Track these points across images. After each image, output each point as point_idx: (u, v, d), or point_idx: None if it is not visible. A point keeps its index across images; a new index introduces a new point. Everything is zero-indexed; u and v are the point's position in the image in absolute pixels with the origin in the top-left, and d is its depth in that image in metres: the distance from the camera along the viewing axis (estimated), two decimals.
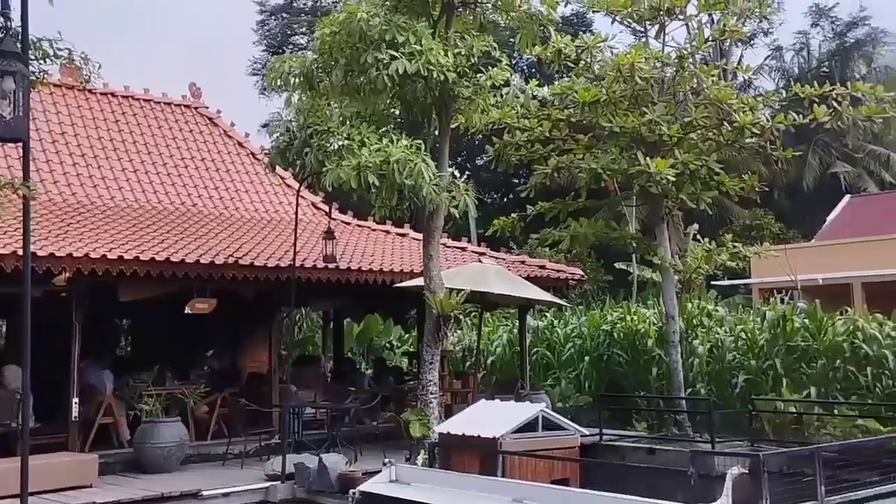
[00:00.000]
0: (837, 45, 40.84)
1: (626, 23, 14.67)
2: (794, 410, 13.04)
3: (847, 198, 33.83)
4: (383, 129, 10.81)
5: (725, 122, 13.26)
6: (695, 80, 13.39)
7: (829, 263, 26.11)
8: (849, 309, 17.74)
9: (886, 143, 37.57)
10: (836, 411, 12.96)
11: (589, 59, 13.40)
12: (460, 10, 11.19)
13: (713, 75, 13.57)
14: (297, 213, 11.96)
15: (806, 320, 15.21)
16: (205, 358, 14.54)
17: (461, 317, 14.69)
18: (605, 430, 12.84)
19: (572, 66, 13.61)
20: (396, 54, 9.51)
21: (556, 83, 14.31)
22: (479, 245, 17.75)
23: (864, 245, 26.18)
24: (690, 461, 7.61)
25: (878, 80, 34.57)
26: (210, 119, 17.09)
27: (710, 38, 14.52)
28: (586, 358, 17.31)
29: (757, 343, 15.34)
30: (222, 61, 64.60)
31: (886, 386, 13.92)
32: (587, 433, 10.82)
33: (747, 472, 8.04)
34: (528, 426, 9.11)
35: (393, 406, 13.92)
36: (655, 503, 6.85)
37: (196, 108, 17.11)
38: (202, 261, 10.87)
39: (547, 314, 19.96)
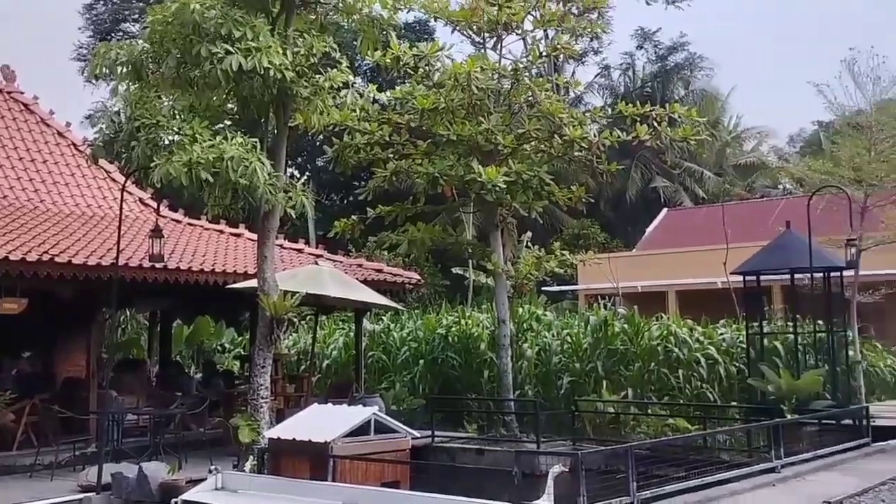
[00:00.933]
0: (659, 68, 43.69)
1: (465, 33, 15.00)
2: (612, 410, 13.78)
3: (665, 211, 36.27)
4: (218, 125, 10.47)
5: (557, 135, 13.83)
6: (529, 93, 13.89)
7: (647, 272, 27.90)
8: (664, 315, 19.02)
9: (701, 161, 40.58)
10: (649, 411, 13.81)
11: (427, 67, 13.60)
12: (301, 8, 11.04)
13: (546, 89, 14.13)
14: (121, 209, 11.33)
15: (625, 325, 16.14)
16: (12, 361, 13.50)
17: (296, 319, 14.47)
18: (436, 432, 13.06)
19: (412, 72, 13.77)
20: (232, 49, 9.23)
21: (398, 88, 14.43)
22: (317, 247, 17.55)
23: (679, 255, 28.14)
24: (515, 461, 7.87)
25: (695, 102, 37.58)
26: (25, 105, 15.87)
27: (544, 54, 15.13)
28: (421, 361, 17.54)
29: (581, 346, 16.12)
30: (45, 46, 60.29)
31: (695, 387, 15.03)
32: (418, 436, 10.94)
33: (568, 470, 8.43)
34: (361, 430, 9.08)
35: (222, 411, 13.49)
36: (478, 503, 7.04)
37: (9, 93, 15.84)
38: (11, 258, 10.08)
39: (384, 318, 20.03)
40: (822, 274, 12.83)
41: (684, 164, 40.08)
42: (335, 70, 10.70)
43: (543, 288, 26.63)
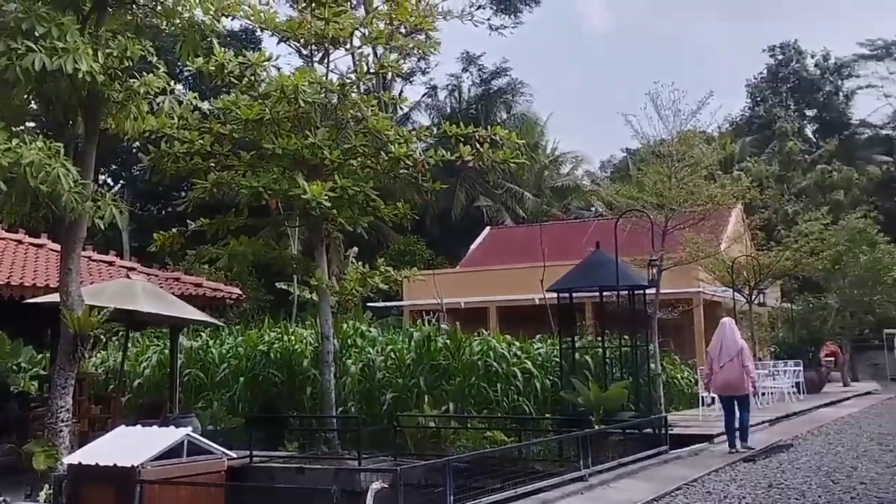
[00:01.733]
0: (483, 91, 45.21)
1: (292, 45, 14.79)
2: (433, 425, 13.98)
3: (488, 229, 37.41)
4: (18, 127, 9.68)
5: (383, 152, 13.91)
6: (356, 109, 13.89)
7: (470, 288, 28.63)
8: (485, 330, 19.60)
9: (521, 182, 42.27)
10: (469, 424, 14.14)
11: (253, 77, 13.29)
12: (115, 8, 10.46)
13: (373, 106, 14.20)
14: None
15: (447, 341, 16.46)
16: None
17: (103, 336, 13.59)
18: (255, 452, 12.69)
19: (236, 81, 13.40)
20: (35, 47, 8.58)
21: (221, 97, 13.98)
22: (131, 259, 16.61)
23: (500, 273, 29.09)
24: (334, 479, 7.78)
25: (516, 125, 39.15)
26: None
27: (372, 71, 15.21)
28: (241, 379, 17.03)
29: (405, 362, 16.26)
30: None
31: (513, 400, 15.55)
32: (235, 456, 10.57)
33: (388, 486, 8.44)
34: (172, 452, 8.64)
35: (15, 436, 12.41)
36: None
37: None
38: None
39: (203, 334, 19.27)
40: (627, 292, 13.69)
41: (506, 185, 41.61)
42: (152, 75, 10.21)
43: (369, 304, 26.65)
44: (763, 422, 15.62)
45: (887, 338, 32.41)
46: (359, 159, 14.24)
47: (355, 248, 27.57)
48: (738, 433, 12.33)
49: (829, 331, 26.86)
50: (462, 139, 14.29)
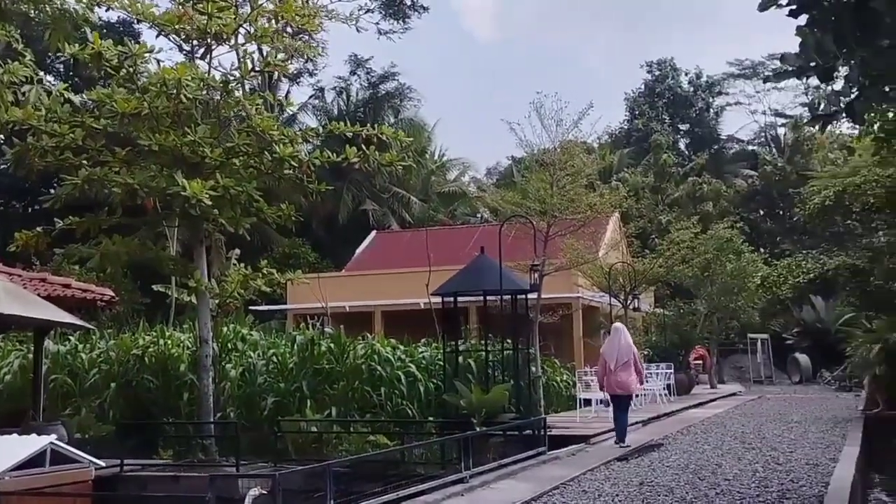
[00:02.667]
0: (371, 94, 45.12)
1: (172, 39, 14.30)
2: (315, 430, 13.79)
3: (374, 233, 37.34)
4: None
5: (267, 152, 13.63)
6: (240, 107, 13.56)
7: (356, 292, 28.49)
8: (369, 334, 19.52)
9: (408, 187, 42.42)
10: (352, 429, 14.02)
11: (132, 69, 12.74)
12: None
13: (258, 105, 13.90)
14: None
15: (331, 344, 16.28)
16: None
17: None
18: (127, 461, 12.17)
19: (113, 72, 12.81)
20: None
21: (96, 89, 13.33)
22: None
23: (386, 276, 29.08)
24: (209, 486, 7.54)
25: (404, 130, 39.08)
26: None
27: (257, 69, 14.89)
28: (113, 384, 16.25)
29: (287, 366, 15.96)
30: None
31: (396, 404, 15.54)
32: (104, 465, 10.11)
33: (266, 492, 8.26)
34: (34, 461, 8.18)
35: None
36: None
37: None
38: None
39: (71, 338, 18.31)
40: (510, 296, 13.93)
41: (393, 189, 41.67)
42: (17, 63, 9.63)
43: (251, 307, 26.06)
44: (637, 422, 16.22)
45: (751, 342, 34.35)
46: (241, 158, 13.89)
47: (237, 250, 26.92)
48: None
49: (698, 335, 28.23)
50: (348, 140, 14.19)
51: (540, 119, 16.55)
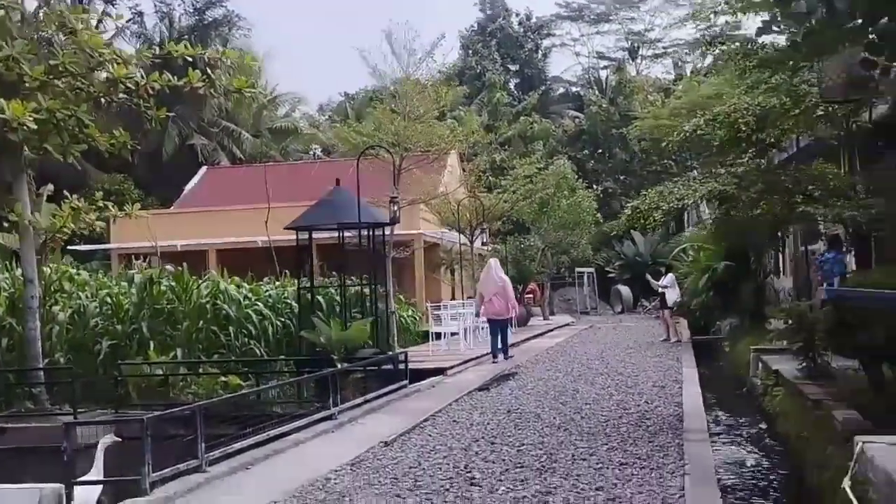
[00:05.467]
0: (197, 21, 42.39)
1: None
2: (160, 373, 12.96)
3: (204, 169, 35.46)
4: None
5: (97, 73, 12.32)
6: (63, 20, 12.11)
7: (188, 230, 26.99)
8: (206, 273, 18.55)
9: (239, 121, 40.51)
10: (201, 370, 13.31)
11: None
12: None
13: (83, 19, 12.47)
14: None
15: (173, 284, 15.30)
16: None
17: None
18: None
19: None
20: None
21: None
22: None
23: (220, 214, 27.77)
24: (64, 435, 6.80)
25: (233, 61, 37.20)
26: None
27: None
28: None
29: (123, 307, 14.86)
30: None
31: (244, 344, 14.91)
32: None
33: (121, 439, 7.60)
34: None
35: None
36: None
37: None
38: None
39: None
40: (368, 230, 13.57)
41: (223, 124, 39.66)
42: None
43: (69, 247, 24.11)
44: (485, 353, 16.53)
45: (578, 276, 36.04)
46: (67, 79, 12.46)
47: (50, 186, 24.56)
48: (500, 350, 15.46)
49: (535, 270, 29.18)
50: (190, 62, 13.07)
51: (391, 48, 16.07)
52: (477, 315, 16.20)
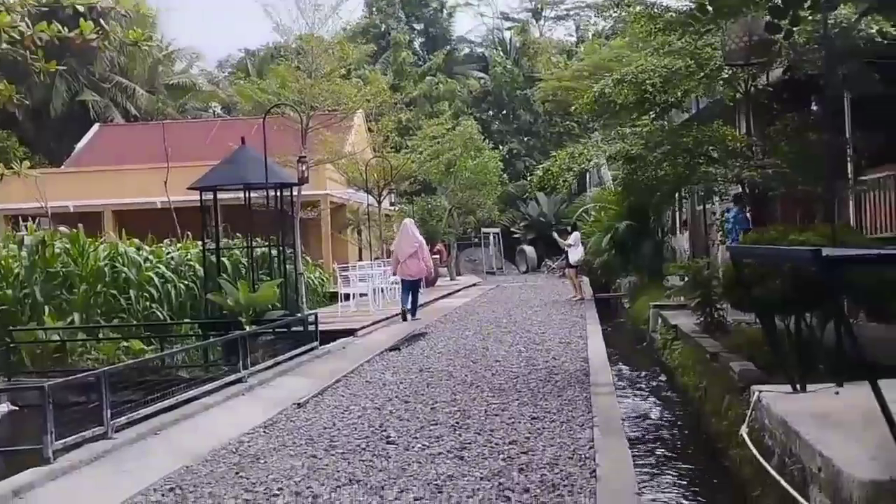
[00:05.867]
0: None
1: None
2: (57, 339, 12.44)
3: (96, 126, 33.83)
4: None
5: None
6: None
7: (80, 191, 25.80)
8: (102, 235, 17.83)
9: (132, 77, 38.76)
10: (101, 335, 12.86)
11: None
12: None
13: None
14: None
15: (67, 246, 14.64)
16: None
17: None
18: None
19: None
20: None
21: None
22: None
23: (115, 174, 26.62)
24: None
25: (126, 15, 35.52)
26: None
27: None
28: None
29: (12, 271, 14.11)
30: None
31: (146, 308, 14.45)
32: None
33: (17, 407, 7.32)
34: None
35: None
36: None
37: None
38: None
39: None
40: (275, 191, 13.26)
41: (115, 79, 37.88)
42: None
43: None
44: (395, 314, 16.57)
45: (483, 236, 36.42)
46: None
47: None
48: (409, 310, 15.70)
49: (442, 230, 29.30)
50: (80, 13, 12.36)
51: (297, 3, 15.61)
52: (394, 274, 16.45)
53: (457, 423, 7.21)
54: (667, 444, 7.71)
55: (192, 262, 16.15)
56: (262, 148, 13.05)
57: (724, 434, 7.02)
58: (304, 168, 12.96)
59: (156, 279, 14.53)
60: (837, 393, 5.71)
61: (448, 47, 52.98)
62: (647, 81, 8.47)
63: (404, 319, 15.51)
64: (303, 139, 13.81)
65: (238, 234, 18.70)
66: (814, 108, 10.77)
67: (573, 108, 11.46)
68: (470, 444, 6.46)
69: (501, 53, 50.34)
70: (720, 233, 10.62)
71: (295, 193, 14.47)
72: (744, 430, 5.94)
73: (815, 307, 6.90)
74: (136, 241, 16.30)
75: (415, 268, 15.37)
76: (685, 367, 9.84)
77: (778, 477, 5.04)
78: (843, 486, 4.03)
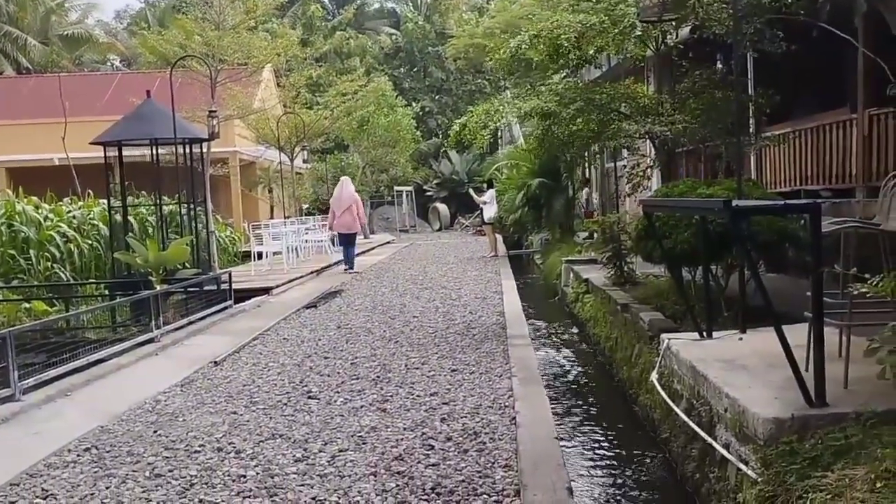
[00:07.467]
0: None
1: None
2: None
3: None
4: None
5: None
6: None
7: None
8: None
9: (24, 26, 36.66)
10: (1, 297, 12.32)
11: None
12: None
13: None
14: None
15: None
16: None
17: None
18: None
19: None
20: None
21: None
22: None
23: (7, 129, 25.27)
24: None
25: None
26: None
27: None
28: None
29: None
30: None
31: (47, 268, 13.91)
32: None
33: None
34: None
35: None
36: None
37: None
38: None
39: None
40: (184, 146, 12.85)
41: (4, 28, 35.74)
42: None
43: None
44: (311, 272, 16.44)
45: (396, 194, 36.30)
46: None
47: None
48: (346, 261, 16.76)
49: (355, 188, 29.01)
50: None
51: None
52: (330, 229, 17.54)
53: (378, 377, 7.26)
54: (581, 393, 7.97)
55: (95, 221, 15.60)
56: (168, 102, 12.61)
57: (635, 381, 7.30)
58: (214, 123, 12.59)
59: (57, 238, 14.00)
60: (741, 339, 6.01)
61: (358, 1, 52.04)
62: (563, 36, 8.56)
63: (348, 269, 16.71)
64: (212, 93, 13.37)
65: (143, 192, 18.10)
66: (719, 66, 11.11)
67: (489, 62, 11.45)
68: (392, 396, 6.52)
69: (412, 9, 49.75)
70: (629, 185, 10.90)
71: (205, 150, 14.05)
72: (654, 377, 6.20)
73: (720, 258, 7.22)
74: (35, 199, 15.59)
75: (350, 221, 16.38)
76: (597, 318, 10.15)
77: (686, 418, 5.30)
78: (748, 424, 4.27)
